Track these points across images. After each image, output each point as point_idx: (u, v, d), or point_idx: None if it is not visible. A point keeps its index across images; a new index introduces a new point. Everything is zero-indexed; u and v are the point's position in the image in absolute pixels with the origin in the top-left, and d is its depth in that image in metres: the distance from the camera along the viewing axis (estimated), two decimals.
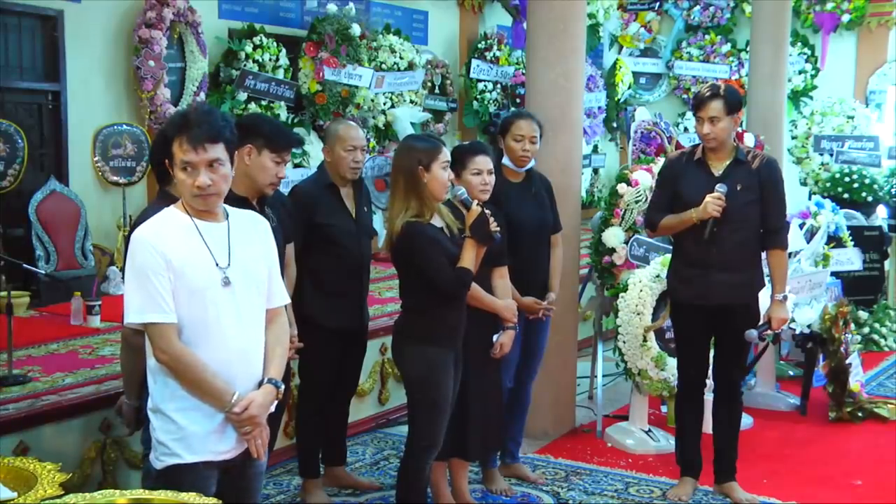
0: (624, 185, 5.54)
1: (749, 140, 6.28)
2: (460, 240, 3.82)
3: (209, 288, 2.77)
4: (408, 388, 3.98)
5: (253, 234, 2.94)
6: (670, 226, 4.54)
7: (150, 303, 2.70)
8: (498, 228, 3.85)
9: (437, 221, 3.83)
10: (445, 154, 3.82)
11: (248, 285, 2.86)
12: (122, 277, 3.30)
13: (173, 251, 2.72)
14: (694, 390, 4.69)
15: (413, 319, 3.91)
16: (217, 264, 2.79)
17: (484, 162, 4.17)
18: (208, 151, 2.74)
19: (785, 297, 4.59)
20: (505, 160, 4.63)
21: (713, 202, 4.34)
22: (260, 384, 2.88)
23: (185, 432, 2.77)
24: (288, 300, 3.07)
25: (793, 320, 5.88)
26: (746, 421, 5.84)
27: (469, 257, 3.78)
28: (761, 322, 4.57)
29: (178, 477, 2.74)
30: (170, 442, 2.78)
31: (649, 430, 5.50)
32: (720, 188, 4.37)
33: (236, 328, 2.82)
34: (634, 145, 5.99)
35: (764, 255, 4.58)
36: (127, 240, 3.32)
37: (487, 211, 3.85)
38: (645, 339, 5.24)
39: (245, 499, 2.96)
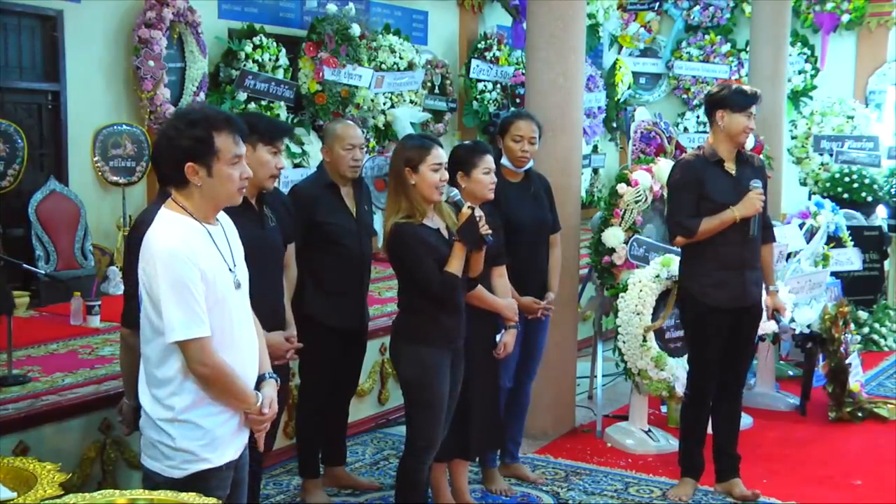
0: (624, 185, 5.54)
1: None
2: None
3: (229, 293, 2.77)
4: (403, 389, 3.98)
5: (234, 232, 2.94)
6: (711, 228, 4.44)
7: (192, 318, 2.65)
8: (489, 231, 3.79)
9: (432, 222, 3.80)
10: (437, 156, 3.75)
11: (245, 284, 2.89)
12: (122, 278, 3.28)
13: (203, 261, 2.69)
14: (706, 396, 4.68)
15: (408, 320, 3.90)
16: (230, 268, 2.80)
17: (491, 161, 4.19)
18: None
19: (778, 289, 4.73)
20: (504, 160, 4.62)
21: (758, 198, 4.39)
22: (258, 378, 2.90)
23: (213, 435, 2.76)
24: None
25: (792, 320, 5.88)
26: (746, 421, 5.85)
27: (457, 261, 3.72)
28: (768, 314, 4.67)
29: (207, 482, 2.74)
30: (197, 448, 2.74)
31: (649, 430, 5.50)
32: (755, 184, 4.41)
33: (246, 328, 2.85)
34: (634, 145, 5.99)
35: None
36: (129, 240, 3.31)
37: (480, 213, 3.80)
38: (645, 339, 5.24)
39: (242, 488, 3.00)
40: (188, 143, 2.69)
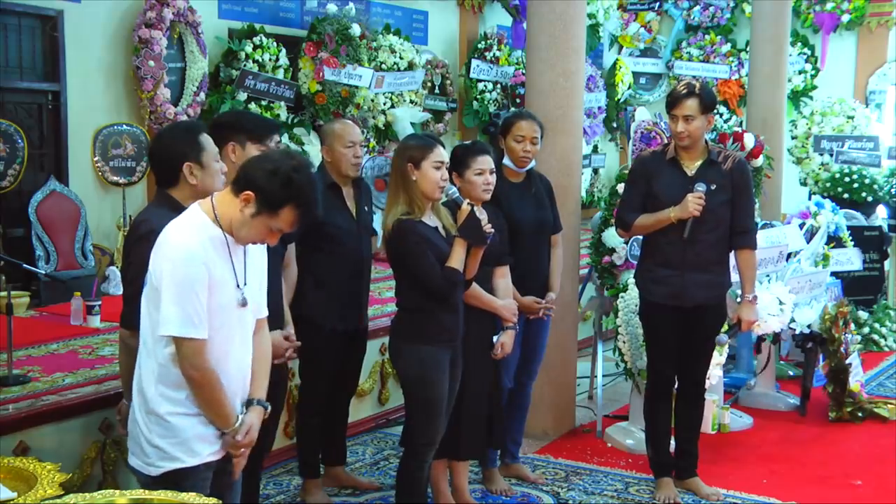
0: (624, 185, 5.53)
1: (749, 140, 6.28)
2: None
3: (230, 307, 2.77)
4: (403, 388, 3.99)
5: (257, 252, 2.92)
6: (646, 225, 4.47)
7: (192, 318, 2.66)
8: (492, 231, 3.82)
9: (430, 221, 3.82)
10: (439, 154, 3.79)
11: (253, 304, 2.88)
12: (122, 278, 3.27)
13: (214, 267, 2.70)
14: (667, 390, 4.69)
15: (407, 319, 3.91)
16: (238, 284, 2.79)
17: (486, 162, 4.16)
18: None
19: (755, 298, 4.62)
20: (505, 160, 4.62)
21: (695, 201, 4.31)
22: (247, 402, 2.88)
23: (185, 435, 2.75)
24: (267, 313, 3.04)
25: (793, 320, 5.88)
26: (746, 421, 5.86)
27: (458, 257, 3.75)
28: (731, 323, 4.60)
29: (180, 481, 2.72)
30: (168, 447, 2.75)
31: None
32: (699, 187, 4.34)
33: (240, 347, 2.84)
34: (634, 145, 5.98)
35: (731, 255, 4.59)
36: (127, 240, 3.30)
37: (479, 210, 3.81)
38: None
39: (233, 492, 3.00)
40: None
